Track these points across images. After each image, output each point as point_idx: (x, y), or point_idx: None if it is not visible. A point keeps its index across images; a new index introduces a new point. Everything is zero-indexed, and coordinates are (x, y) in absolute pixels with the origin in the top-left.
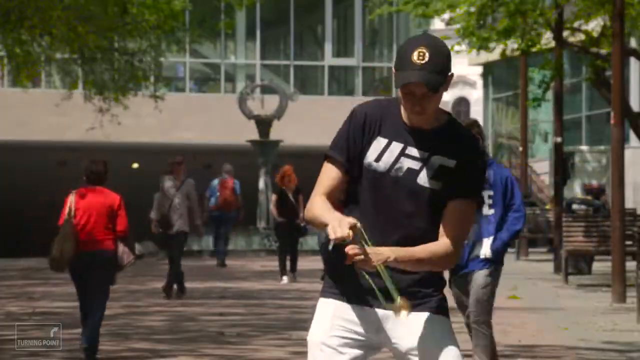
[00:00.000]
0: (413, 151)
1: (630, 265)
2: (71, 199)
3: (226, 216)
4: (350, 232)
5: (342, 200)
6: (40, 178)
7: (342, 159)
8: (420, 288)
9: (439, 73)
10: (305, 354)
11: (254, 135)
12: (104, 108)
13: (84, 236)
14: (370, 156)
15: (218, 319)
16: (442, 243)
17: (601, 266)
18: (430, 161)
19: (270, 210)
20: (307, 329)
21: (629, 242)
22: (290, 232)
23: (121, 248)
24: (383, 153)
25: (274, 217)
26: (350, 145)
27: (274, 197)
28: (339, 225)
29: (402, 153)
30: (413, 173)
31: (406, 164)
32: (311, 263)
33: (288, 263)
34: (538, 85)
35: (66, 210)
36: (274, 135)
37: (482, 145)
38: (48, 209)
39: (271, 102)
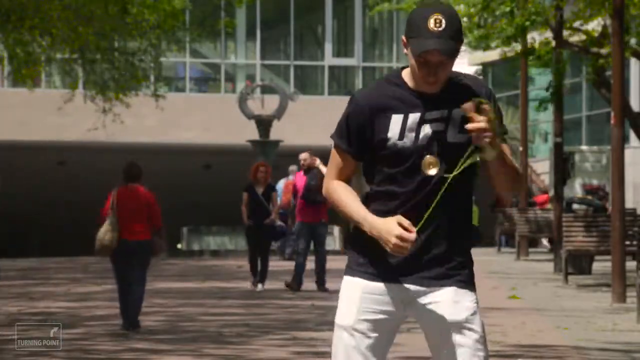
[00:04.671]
0: (432, 115)
1: (630, 265)
2: (114, 195)
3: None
4: (413, 236)
5: (371, 179)
6: (40, 178)
7: (344, 146)
8: (453, 256)
9: (455, 39)
10: (305, 354)
11: (254, 135)
12: (107, 108)
13: (125, 227)
14: (392, 136)
15: (218, 319)
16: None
17: (601, 266)
18: (452, 117)
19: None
20: (307, 329)
21: (628, 242)
22: (260, 235)
23: (156, 239)
24: (404, 128)
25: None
26: (351, 133)
27: (244, 196)
28: (395, 231)
29: (422, 121)
30: (440, 134)
31: (430, 129)
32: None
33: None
34: (546, 89)
35: (109, 204)
36: (274, 135)
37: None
38: (48, 209)
39: (271, 102)
